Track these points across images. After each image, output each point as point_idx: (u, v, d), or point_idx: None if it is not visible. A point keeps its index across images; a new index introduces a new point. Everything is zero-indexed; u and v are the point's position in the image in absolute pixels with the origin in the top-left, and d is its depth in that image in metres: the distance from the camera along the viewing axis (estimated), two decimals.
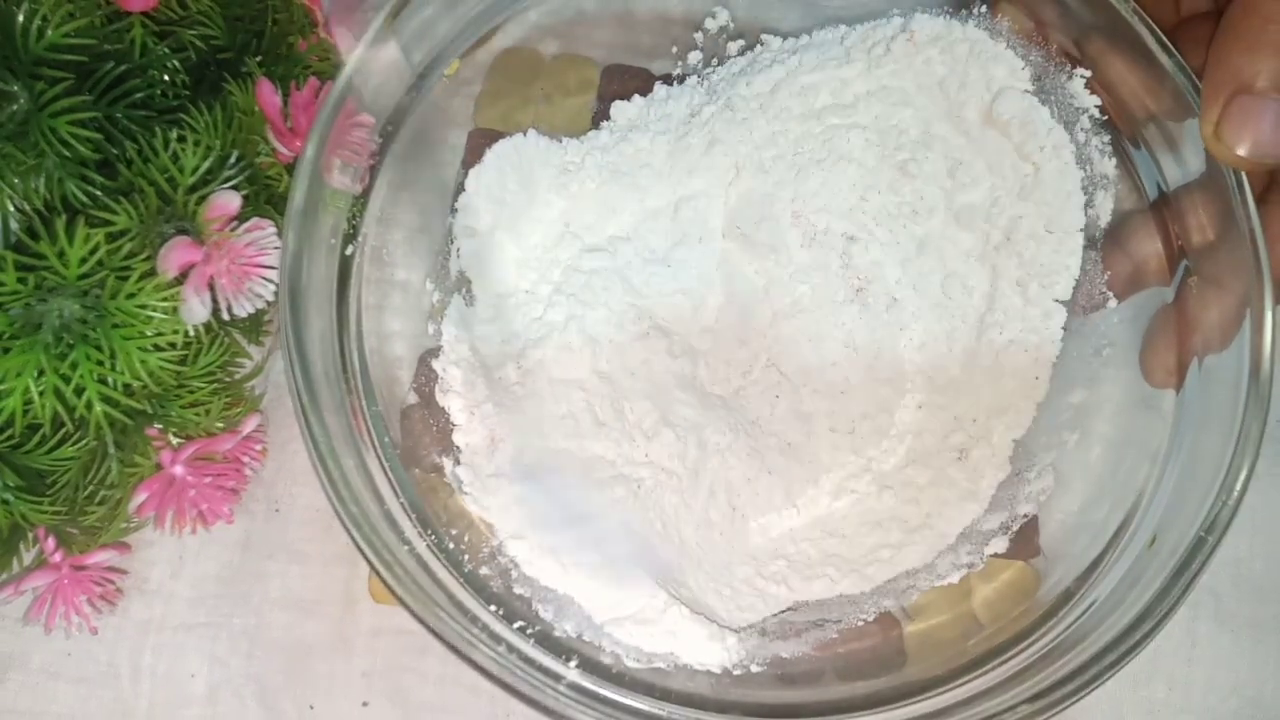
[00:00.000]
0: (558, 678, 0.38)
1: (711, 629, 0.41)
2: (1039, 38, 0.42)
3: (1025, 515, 0.43)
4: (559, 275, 0.44)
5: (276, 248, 0.37)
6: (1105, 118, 0.42)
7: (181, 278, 0.36)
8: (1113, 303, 0.43)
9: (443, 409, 0.44)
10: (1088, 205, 0.42)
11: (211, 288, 0.36)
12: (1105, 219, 0.43)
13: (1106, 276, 0.43)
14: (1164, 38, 0.39)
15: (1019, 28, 0.43)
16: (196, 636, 0.45)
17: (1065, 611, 0.39)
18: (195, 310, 0.36)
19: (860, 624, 0.42)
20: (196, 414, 0.41)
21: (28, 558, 0.41)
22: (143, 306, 0.36)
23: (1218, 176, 0.38)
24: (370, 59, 0.39)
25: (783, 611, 0.42)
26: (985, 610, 0.43)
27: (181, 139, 0.37)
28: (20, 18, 0.34)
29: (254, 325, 0.42)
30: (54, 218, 0.35)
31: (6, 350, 0.35)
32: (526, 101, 0.47)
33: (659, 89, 0.46)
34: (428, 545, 0.39)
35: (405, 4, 0.39)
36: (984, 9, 0.43)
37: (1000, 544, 0.43)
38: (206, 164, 0.37)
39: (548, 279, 0.45)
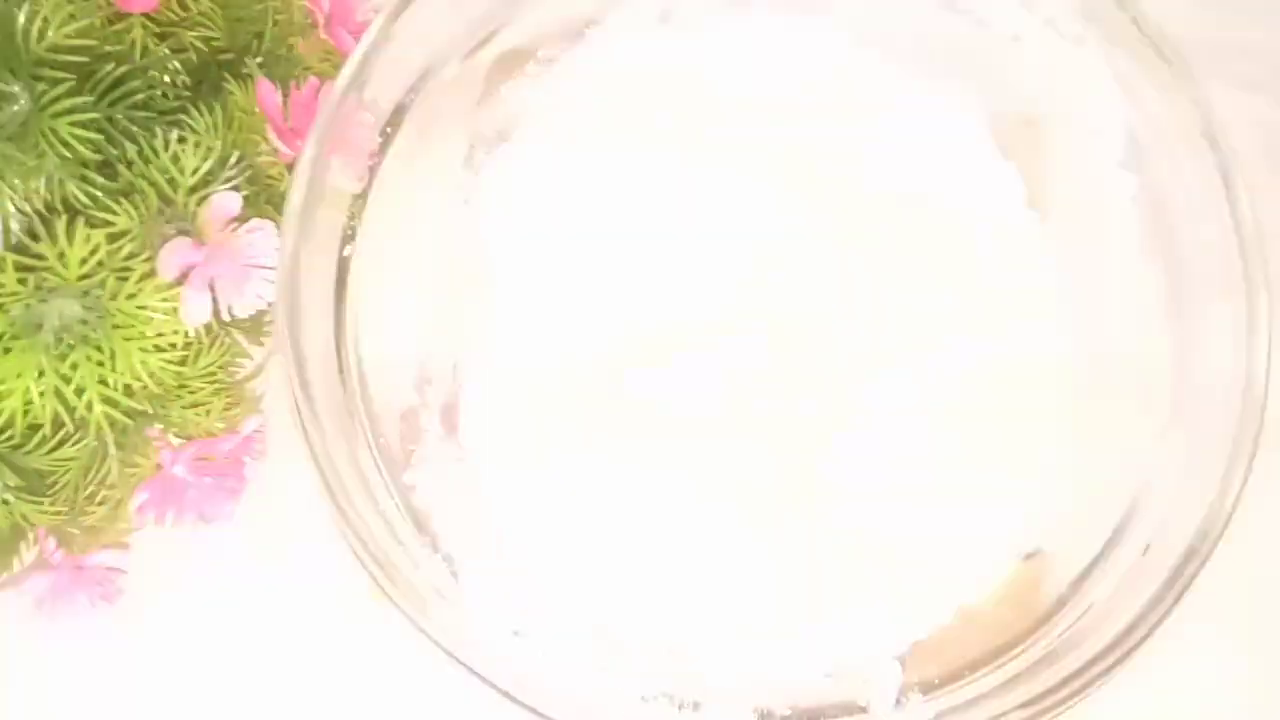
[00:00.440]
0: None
1: None
2: None
3: None
4: None
5: (277, 248, 0.37)
6: None
7: (182, 278, 0.36)
8: None
9: None
10: None
11: (212, 288, 0.36)
12: None
13: None
14: None
15: None
16: (196, 637, 0.45)
17: (1060, 616, 0.39)
18: (195, 311, 0.36)
19: None
20: (197, 414, 0.41)
21: (28, 558, 0.41)
22: (143, 307, 0.36)
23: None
24: (370, 59, 0.39)
25: None
26: (980, 615, 0.43)
27: (182, 140, 0.37)
28: (21, 18, 0.34)
29: (254, 326, 0.42)
30: (54, 219, 0.35)
31: (7, 351, 0.35)
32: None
33: None
34: (424, 548, 0.39)
35: (406, 5, 0.39)
36: None
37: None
38: (207, 165, 0.37)
39: None
